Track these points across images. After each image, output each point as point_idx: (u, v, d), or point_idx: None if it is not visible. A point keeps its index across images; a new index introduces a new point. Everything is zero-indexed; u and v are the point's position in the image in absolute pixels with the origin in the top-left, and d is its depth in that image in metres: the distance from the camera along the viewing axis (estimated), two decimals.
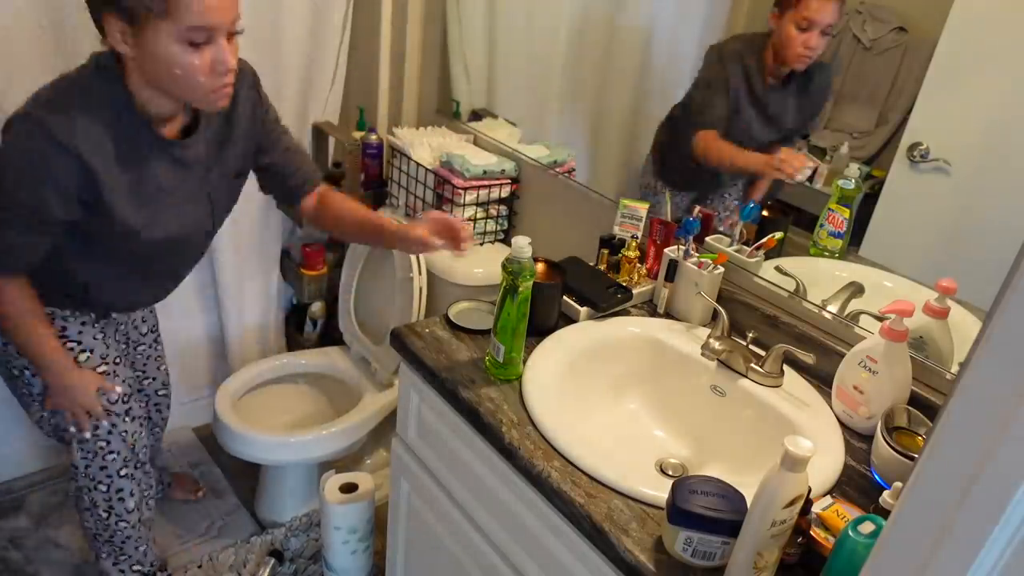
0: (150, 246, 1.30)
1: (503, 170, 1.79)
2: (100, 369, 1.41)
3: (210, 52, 1.11)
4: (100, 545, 1.58)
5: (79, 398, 1.38)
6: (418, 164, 1.87)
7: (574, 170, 1.76)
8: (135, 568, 1.62)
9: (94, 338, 1.43)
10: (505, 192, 1.82)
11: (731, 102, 1.38)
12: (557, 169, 1.74)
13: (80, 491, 1.50)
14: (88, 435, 1.42)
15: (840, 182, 1.23)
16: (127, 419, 1.47)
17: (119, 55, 1.15)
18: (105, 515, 1.52)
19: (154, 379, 1.74)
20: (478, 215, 1.81)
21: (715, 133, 1.41)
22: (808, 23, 1.23)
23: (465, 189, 1.75)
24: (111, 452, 1.46)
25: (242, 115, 1.34)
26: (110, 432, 1.44)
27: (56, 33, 1.64)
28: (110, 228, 1.24)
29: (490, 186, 1.79)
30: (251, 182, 1.49)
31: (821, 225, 1.26)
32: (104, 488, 1.49)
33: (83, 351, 1.41)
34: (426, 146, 1.88)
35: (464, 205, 1.77)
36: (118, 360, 1.47)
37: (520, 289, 1.10)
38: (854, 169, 1.23)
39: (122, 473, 1.49)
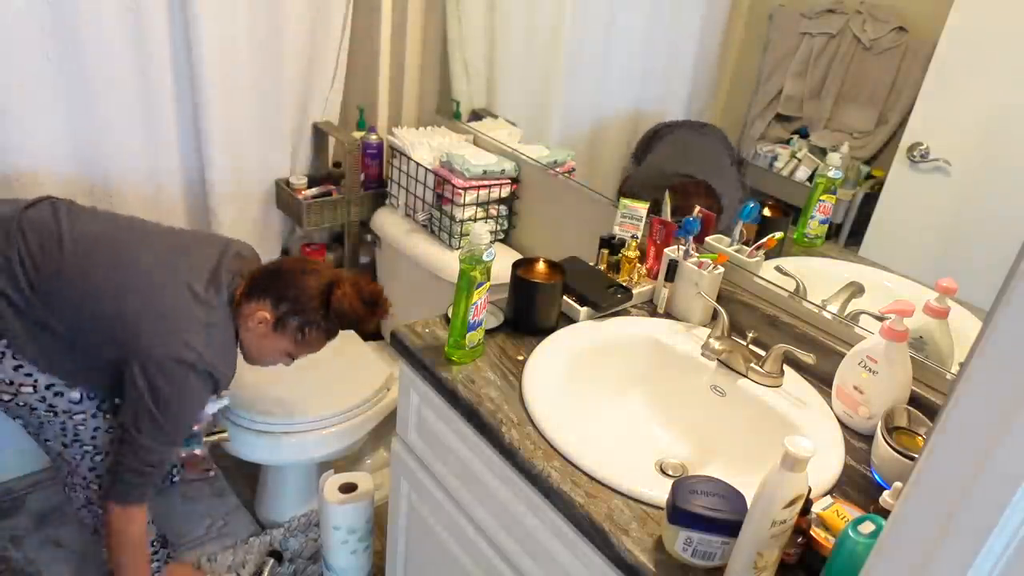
0: None
1: (503, 170, 1.79)
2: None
3: None
4: None
5: None
6: (418, 164, 1.87)
7: (574, 170, 1.76)
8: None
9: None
10: (505, 192, 1.82)
11: None
12: (557, 169, 1.74)
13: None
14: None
15: (829, 173, 1.24)
16: None
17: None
18: None
19: None
20: (478, 215, 1.81)
21: None
22: None
23: (465, 189, 1.75)
24: None
25: None
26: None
27: (56, 35, 1.64)
28: None
29: (490, 186, 1.78)
30: (246, 181, 1.49)
31: (811, 216, 1.27)
32: None
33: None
34: (426, 146, 1.88)
35: (464, 205, 1.77)
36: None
37: (468, 275, 1.12)
38: (835, 158, 1.23)
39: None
